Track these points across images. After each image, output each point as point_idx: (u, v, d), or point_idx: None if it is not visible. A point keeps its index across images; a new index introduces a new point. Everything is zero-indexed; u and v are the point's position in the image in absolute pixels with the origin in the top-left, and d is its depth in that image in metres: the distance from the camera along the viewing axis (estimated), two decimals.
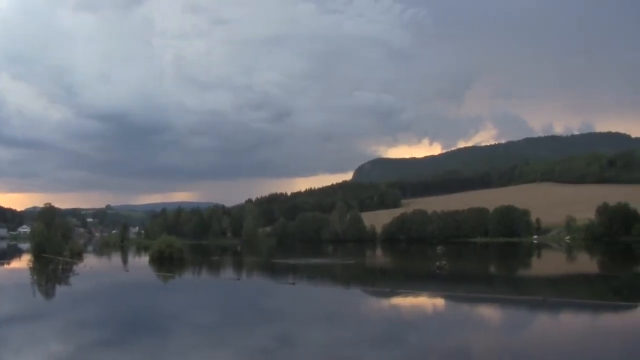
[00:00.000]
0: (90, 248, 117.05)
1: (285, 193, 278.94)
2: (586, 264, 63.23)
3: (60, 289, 36.16)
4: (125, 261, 73.73)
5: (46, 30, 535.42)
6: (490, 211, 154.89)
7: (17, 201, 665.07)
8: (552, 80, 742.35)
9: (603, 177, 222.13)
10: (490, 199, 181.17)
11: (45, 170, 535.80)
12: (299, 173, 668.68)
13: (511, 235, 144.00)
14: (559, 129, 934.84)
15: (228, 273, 50.57)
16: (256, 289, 35.28)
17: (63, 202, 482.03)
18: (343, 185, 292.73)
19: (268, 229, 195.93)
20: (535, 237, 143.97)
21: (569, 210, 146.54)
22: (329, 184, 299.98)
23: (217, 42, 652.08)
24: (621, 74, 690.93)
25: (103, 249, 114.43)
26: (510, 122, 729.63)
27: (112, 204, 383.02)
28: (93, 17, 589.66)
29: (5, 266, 65.01)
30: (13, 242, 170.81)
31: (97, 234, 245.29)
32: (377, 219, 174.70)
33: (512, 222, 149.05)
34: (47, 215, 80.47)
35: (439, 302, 28.01)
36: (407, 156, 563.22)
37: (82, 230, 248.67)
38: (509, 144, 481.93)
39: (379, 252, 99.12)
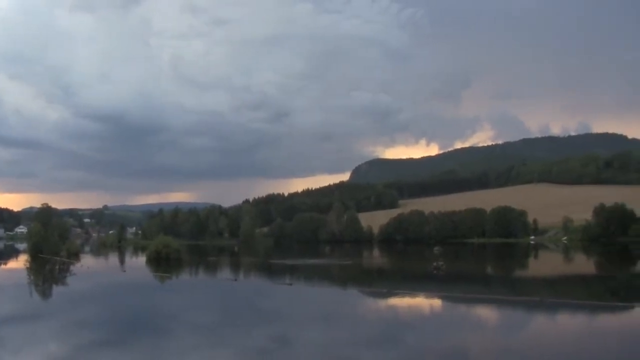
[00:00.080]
0: (87, 248, 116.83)
1: (283, 193, 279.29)
2: (583, 264, 63.37)
3: (57, 289, 36.14)
4: (122, 261, 73.68)
5: (44, 30, 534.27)
6: (488, 212, 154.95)
7: (14, 201, 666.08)
8: (551, 80, 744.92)
9: (600, 178, 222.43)
10: (487, 199, 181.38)
11: (42, 171, 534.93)
12: (296, 173, 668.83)
13: (508, 236, 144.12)
14: (556, 130, 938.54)
15: (225, 273, 50.57)
16: (253, 289, 35.25)
17: (60, 202, 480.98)
18: (340, 185, 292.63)
19: (265, 229, 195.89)
20: (532, 237, 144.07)
21: (566, 211, 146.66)
22: (326, 184, 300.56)
23: (215, 43, 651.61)
24: (621, 74, 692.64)
25: (100, 250, 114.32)
26: (507, 122, 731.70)
27: (110, 204, 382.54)
28: (91, 17, 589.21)
29: (2, 266, 64.98)
30: (10, 243, 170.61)
31: (94, 235, 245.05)
32: (374, 220, 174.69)
33: (509, 222, 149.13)
34: (44, 216, 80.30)
35: (436, 302, 28.04)
36: (404, 157, 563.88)
37: (79, 230, 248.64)
38: (506, 145, 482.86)
39: (376, 252, 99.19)
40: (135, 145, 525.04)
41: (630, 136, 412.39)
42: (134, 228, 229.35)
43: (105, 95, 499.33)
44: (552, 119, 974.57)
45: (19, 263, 65.49)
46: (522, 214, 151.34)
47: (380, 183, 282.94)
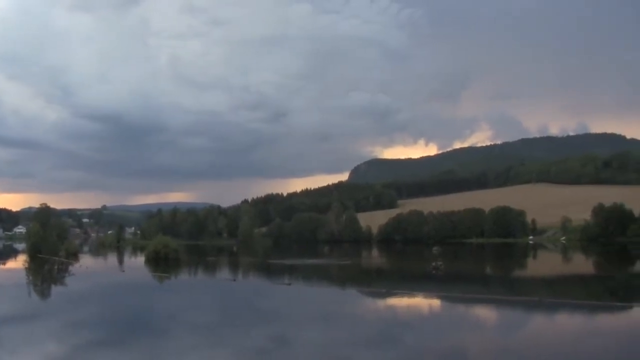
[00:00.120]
0: (86, 248, 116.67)
1: (281, 193, 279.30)
2: (582, 264, 63.43)
3: (55, 290, 36.10)
4: (121, 262, 73.59)
5: (42, 30, 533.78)
6: (486, 212, 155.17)
7: (12, 201, 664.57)
8: (550, 80, 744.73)
9: (598, 177, 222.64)
10: (486, 199, 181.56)
11: (41, 171, 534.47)
12: (295, 173, 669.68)
13: (507, 236, 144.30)
14: (554, 130, 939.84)
15: (224, 273, 50.60)
16: (252, 289, 35.23)
17: (59, 202, 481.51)
18: (339, 185, 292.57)
19: (264, 229, 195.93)
20: (531, 237, 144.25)
21: (565, 211, 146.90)
22: (325, 184, 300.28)
23: (213, 43, 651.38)
24: (621, 74, 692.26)
25: (99, 250, 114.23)
26: (505, 122, 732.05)
27: (108, 204, 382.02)
28: (89, 17, 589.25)
29: (1, 267, 64.84)
30: (9, 243, 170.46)
31: (92, 235, 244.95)
32: (373, 220, 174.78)
33: (508, 222, 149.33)
34: (43, 216, 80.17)
35: (435, 302, 28.04)
36: (403, 157, 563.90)
37: (77, 230, 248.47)
38: (505, 145, 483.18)
39: (374, 252, 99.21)
40: (133, 146, 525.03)
41: (629, 136, 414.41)
42: (133, 228, 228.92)
43: (104, 96, 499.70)
44: (551, 119, 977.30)
45: (18, 263, 65.39)
46: (521, 214, 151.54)
47: (379, 183, 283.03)
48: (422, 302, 27.78)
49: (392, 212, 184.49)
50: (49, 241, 71.00)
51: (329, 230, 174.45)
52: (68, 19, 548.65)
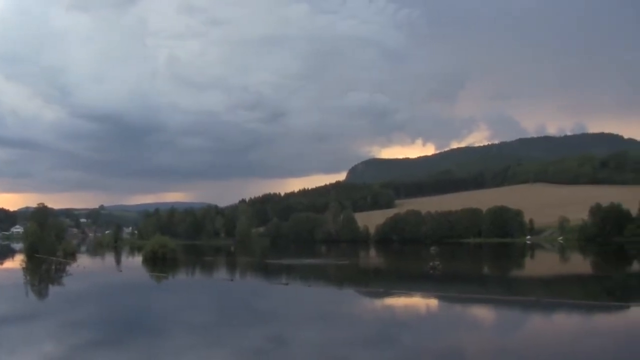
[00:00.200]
0: (83, 248, 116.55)
1: (279, 193, 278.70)
2: (579, 264, 63.54)
3: (53, 289, 36.05)
4: (118, 261, 73.50)
5: (40, 30, 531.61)
6: (484, 212, 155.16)
7: (10, 201, 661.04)
8: (548, 80, 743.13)
9: (596, 177, 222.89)
10: (483, 199, 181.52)
11: (38, 171, 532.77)
12: (292, 173, 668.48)
13: (504, 235, 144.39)
14: (552, 130, 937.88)
15: (221, 273, 50.59)
16: (250, 289, 35.25)
17: (56, 202, 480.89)
18: (336, 185, 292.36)
19: (261, 229, 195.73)
20: (529, 237, 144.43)
21: (562, 211, 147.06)
22: (323, 184, 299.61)
23: (211, 43, 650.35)
24: (620, 74, 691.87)
25: (96, 249, 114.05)
26: (503, 122, 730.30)
27: (106, 204, 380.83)
28: (87, 17, 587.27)
29: None
30: (6, 242, 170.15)
31: (90, 234, 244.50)
32: (371, 220, 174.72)
33: (505, 222, 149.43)
34: (41, 216, 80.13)
35: (432, 302, 28.09)
36: (400, 157, 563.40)
37: (75, 230, 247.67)
38: (502, 145, 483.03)
39: (372, 252, 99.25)
40: (131, 146, 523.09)
41: (626, 136, 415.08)
42: (130, 228, 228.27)
43: (102, 96, 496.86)
44: (548, 119, 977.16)
45: (15, 263, 65.22)
46: (518, 213, 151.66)
47: (377, 183, 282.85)
48: (419, 302, 27.82)
49: (390, 212, 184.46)
50: (46, 241, 70.93)
51: (327, 230, 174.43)
52: (66, 18, 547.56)
